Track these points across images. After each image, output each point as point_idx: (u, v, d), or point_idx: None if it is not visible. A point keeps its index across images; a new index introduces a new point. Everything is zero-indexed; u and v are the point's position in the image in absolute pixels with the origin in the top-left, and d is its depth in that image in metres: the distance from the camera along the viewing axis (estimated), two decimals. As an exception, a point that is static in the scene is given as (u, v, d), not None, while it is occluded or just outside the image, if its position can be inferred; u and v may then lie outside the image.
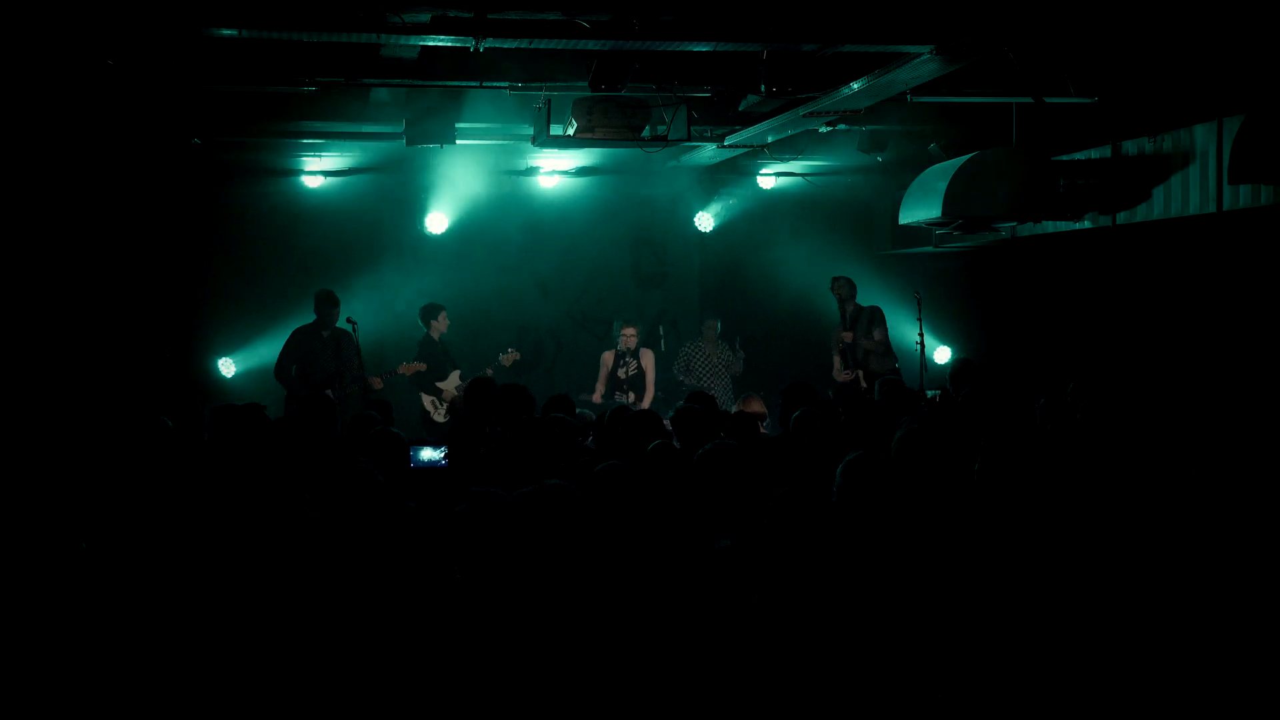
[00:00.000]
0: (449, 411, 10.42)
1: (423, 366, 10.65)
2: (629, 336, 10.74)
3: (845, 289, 10.99)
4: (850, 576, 3.42)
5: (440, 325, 10.85)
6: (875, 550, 3.82)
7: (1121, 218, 8.74)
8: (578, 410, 7.70)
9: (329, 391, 9.54)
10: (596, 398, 10.63)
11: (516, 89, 7.99)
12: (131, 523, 4.36)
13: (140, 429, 5.50)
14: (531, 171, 11.94)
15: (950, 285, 12.29)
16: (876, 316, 10.88)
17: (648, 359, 10.85)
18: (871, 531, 3.91)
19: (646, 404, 10.56)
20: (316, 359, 10.16)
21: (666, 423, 7.05)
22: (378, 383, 10.05)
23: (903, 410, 7.09)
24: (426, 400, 10.71)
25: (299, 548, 3.33)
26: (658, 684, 3.00)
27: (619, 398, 10.50)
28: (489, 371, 10.30)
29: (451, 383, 10.67)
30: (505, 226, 12.19)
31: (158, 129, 9.57)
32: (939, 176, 8.94)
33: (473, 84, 7.84)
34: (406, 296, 11.45)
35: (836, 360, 10.93)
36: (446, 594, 3.65)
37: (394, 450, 5.34)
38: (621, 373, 10.69)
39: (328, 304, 10.25)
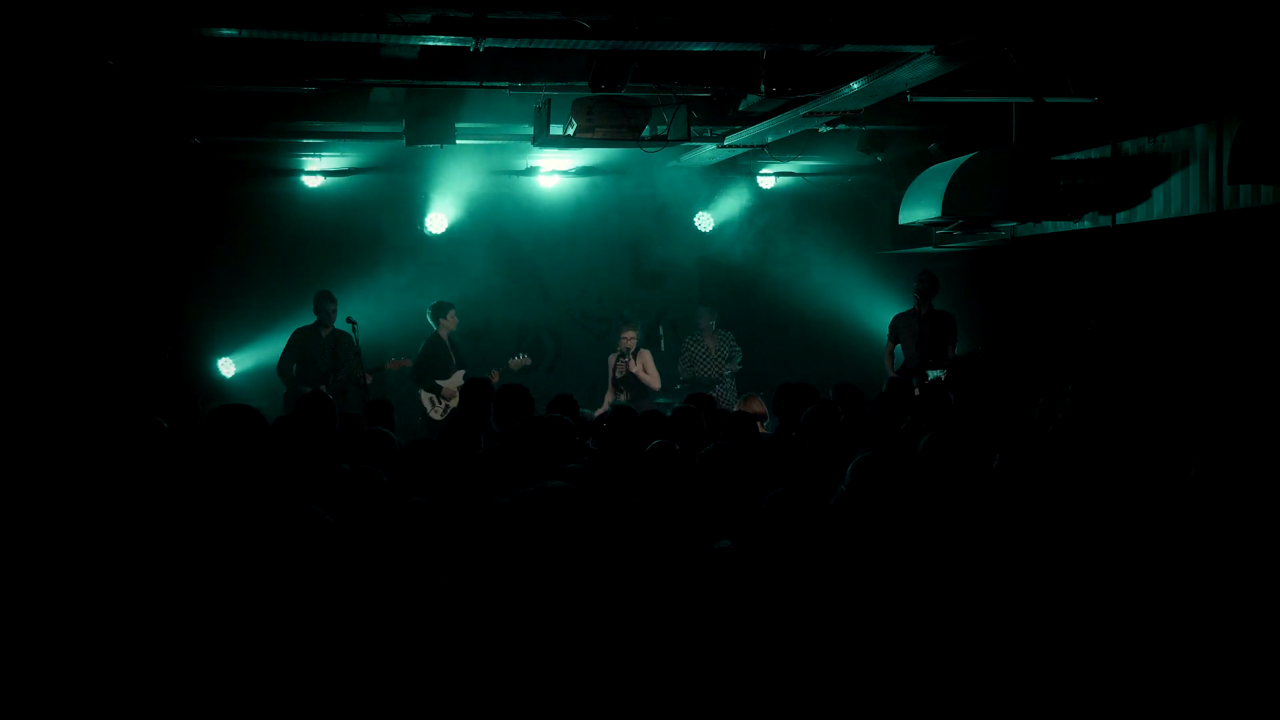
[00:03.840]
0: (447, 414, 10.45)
1: (408, 363, 10.72)
2: (628, 338, 10.74)
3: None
4: (849, 576, 3.42)
5: (449, 323, 10.89)
6: (877, 550, 3.82)
7: (1121, 218, 8.74)
8: (581, 410, 7.69)
9: (322, 388, 9.63)
10: (607, 400, 10.57)
11: (516, 89, 7.99)
12: (128, 523, 4.36)
13: (135, 430, 5.49)
14: (531, 171, 11.94)
15: (950, 285, 12.29)
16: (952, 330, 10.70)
17: (643, 357, 10.84)
18: (874, 531, 3.91)
19: (656, 385, 10.76)
20: (314, 357, 10.28)
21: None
22: (366, 378, 10.11)
23: (905, 409, 7.10)
24: (425, 398, 10.75)
25: (299, 548, 3.33)
26: (657, 685, 3.00)
27: (618, 398, 10.52)
28: (494, 375, 10.33)
29: (455, 381, 10.69)
30: (505, 226, 12.19)
31: (158, 129, 9.58)
32: (939, 176, 8.94)
33: (473, 84, 7.84)
34: (406, 296, 11.46)
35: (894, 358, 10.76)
36: (447, 595, 3.65)
37: (384, 450, 5.33)
38: (618, 372, 10.70)
39: (325, 302, 10.38)
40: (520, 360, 10.91)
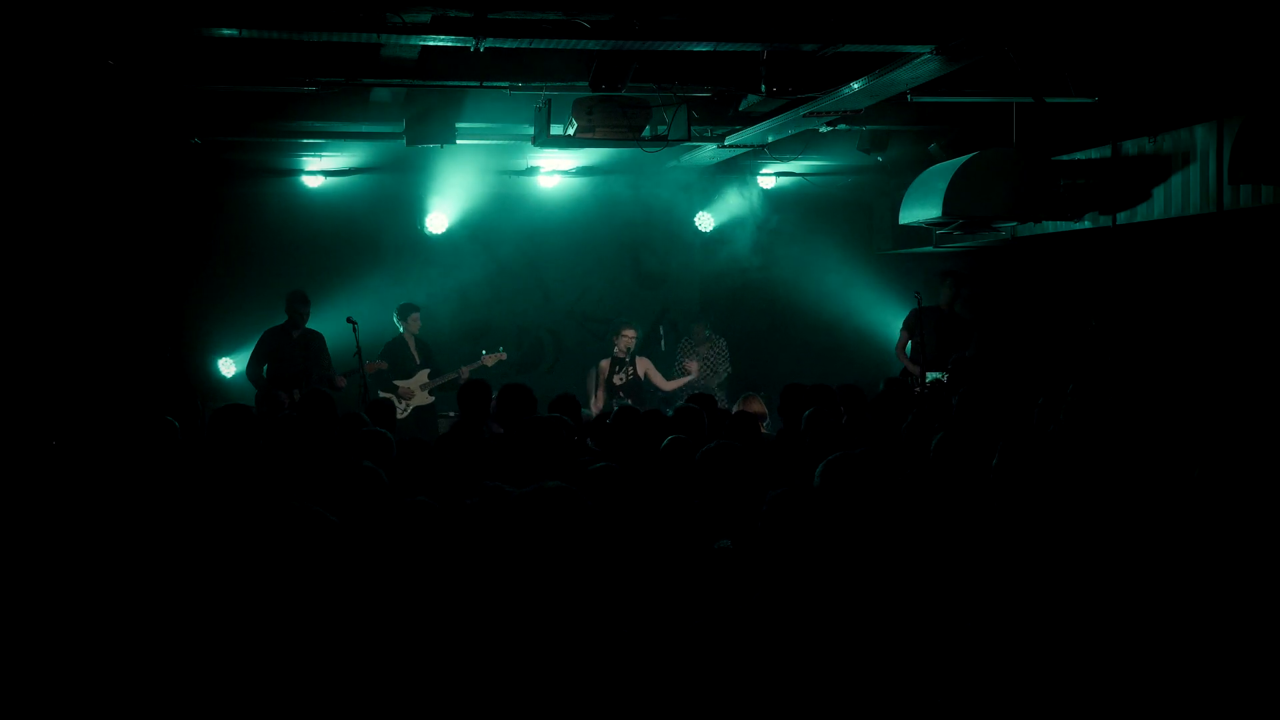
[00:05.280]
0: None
1: (384, 365, 10.76)
2: (628, 338, 10.71)
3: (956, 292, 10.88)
4: (847, 577, 3.42)
5: (412, 325, 10.94)
6: (874, 550, 3.82)
7: (1121, 218, 8.74)
8: (582, 410, 7.68)
9: (295, 391, 9.62)
10: (596, 408, 10.48)
11: (516, 89, 7.99)
12: (138, 523, 4.36)
13: (146, 430, 5.49)
14: (531, 171, 11.95)
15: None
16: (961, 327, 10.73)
17: (644, 365, 10.84)
18: (868, 531, 3.91)
19: (672, 388, 10.92)
20: (285, 359, 10.23)
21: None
22: (341, 381, 10.12)
23: (905, 409, 7.08)
24: (383, 397, 10.77)
25: (304, 547, 3.33)
26: (656, 685, 3.00)
27: (616, 405, 10.47)
28: (464, 372, 10.36)
29: (417, 382, 10.76)
30: (505, 226, 12.19)
31: (158, 129, 9.58)
32: (939, 176, 8.94)
33: (473, 84, 7.84)
34: (406, 296, 11.47)
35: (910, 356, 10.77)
36: (449, 595, 3.65)
37: (381, 449, 5.33)
38: (618, 379, 10.65)
39: (298, 304, 10.37)
40: (495, 356, 10.91)
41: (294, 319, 10.37)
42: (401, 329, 10.90)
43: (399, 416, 10.62)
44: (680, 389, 10.92)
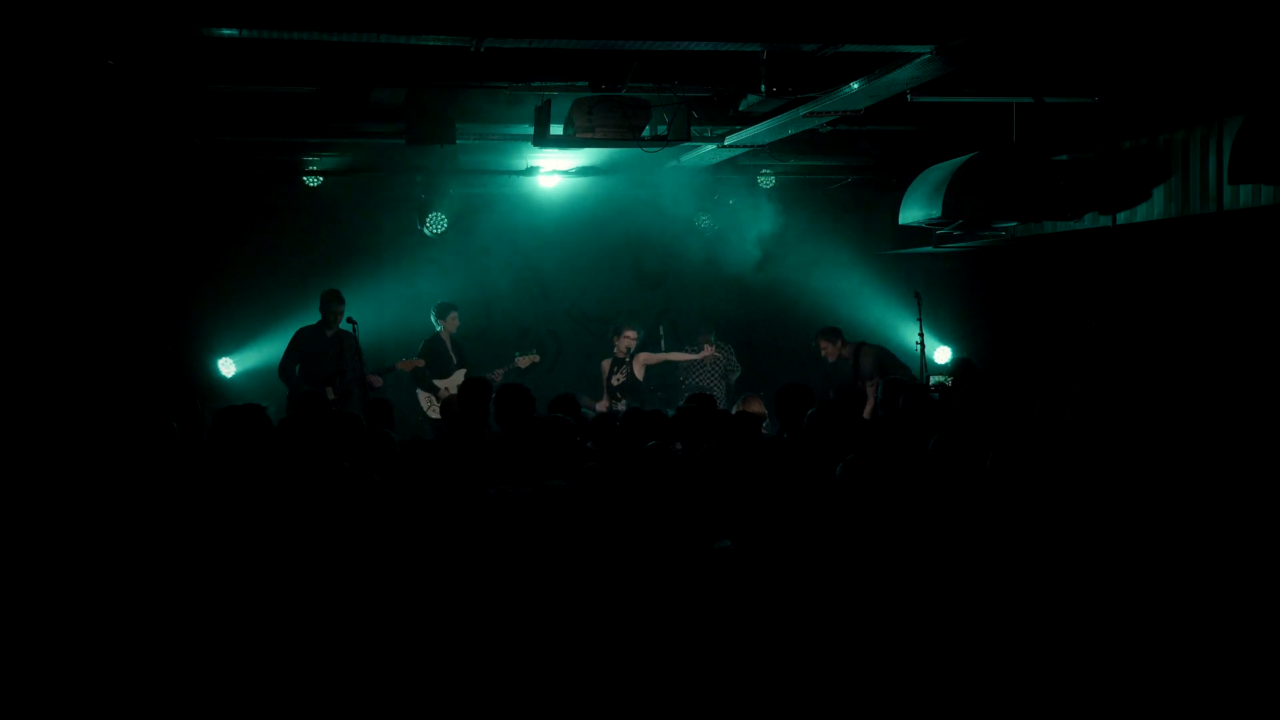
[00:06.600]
0: (443, 411, 10.47)
1: (421, 363, 10.76)
2: (629, 339, 10.74)
3: (830, 345, 10.91)
4: (846, 577, 3.42)
5: (450, 325, 10.95)
6: (874, 550, 3.83)
7: (1121, 218, 8.74)
8: (582, 410, 7.69)
9: (329, 390, 9.60)
10: (602, 407, 10.58)
11: (516, 89, 7.99)
12: (138, 525, 4.36)
13: (147, 432, 5.48)
14: (532, 171, 11.94)
15: (950, 285, 12.30)
16: (866, 361, 10.71)
17: (641, 360, 10.86)
18: (869, 530, 3.91)
19: (684, 358, 11.23)
20: (318, 358, 10.22)
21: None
22: (377, 380, 10.12)
23: (907, 411, 7.09)
24: (422, 397, 10.78)
25: (303, 548, 3.34)
26: (656, 684, 3.00)
27: (613, 405, 10.50)
28: (498, 374, 10.34)
29: (454, 381, 10.75)
30: (505, 226, 12.19)
31: (158, 129, 9.58)
32: (939, 176, 8.95)
33: (473, 84, 7.84)
34: (407, 296, 11.49)
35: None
36: (448, 594, 3.65)
37: (383, 450, 5.33)
38: (615, 379, 10.68)
39: (333, 303, 10.32)
40: (529, 358, 10.95)
41: (328, 318, 10.32)
42: (439, 328, 10.92)
43: (437, 415, 10.64)
44: (692, 362, 11.08)
